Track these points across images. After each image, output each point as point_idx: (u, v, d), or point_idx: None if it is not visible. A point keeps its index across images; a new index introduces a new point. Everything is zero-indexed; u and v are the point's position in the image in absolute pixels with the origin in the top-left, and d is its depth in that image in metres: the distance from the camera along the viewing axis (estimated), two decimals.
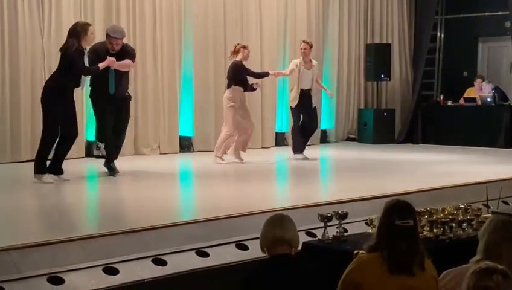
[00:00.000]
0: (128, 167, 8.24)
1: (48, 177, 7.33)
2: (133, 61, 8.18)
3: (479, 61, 14.09)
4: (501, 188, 6.01)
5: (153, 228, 5.07)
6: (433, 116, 13.20)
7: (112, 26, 8.47)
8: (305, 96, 9.78)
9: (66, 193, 7.07)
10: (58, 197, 6.83)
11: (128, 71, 8.07)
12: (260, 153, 11.11)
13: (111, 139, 7.86)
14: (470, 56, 14.01)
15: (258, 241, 3.60)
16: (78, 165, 8.64)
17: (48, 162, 7.54)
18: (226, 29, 11.47)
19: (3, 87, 9.33)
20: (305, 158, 9.79)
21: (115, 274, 4.42)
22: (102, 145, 7.85)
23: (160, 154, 10.58)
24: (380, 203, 3.55)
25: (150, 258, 4.66)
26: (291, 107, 10.00)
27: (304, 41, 10.10)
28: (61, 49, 7.64)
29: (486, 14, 13.61)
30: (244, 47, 9.48)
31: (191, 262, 4.76)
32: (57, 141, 7.55)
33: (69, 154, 9.67)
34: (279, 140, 12.30)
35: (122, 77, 7.90)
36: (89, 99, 8.23)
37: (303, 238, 4.64)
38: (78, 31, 7.54)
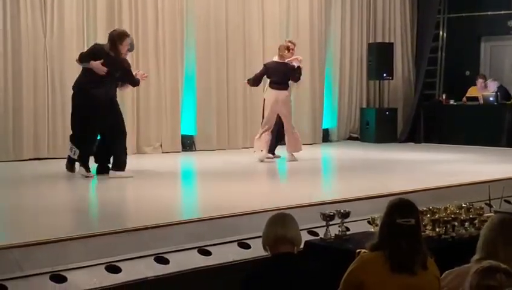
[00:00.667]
0: (130, 165, 8.24)
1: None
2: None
3: (482, 61, 14.08)
4: (503, 187, 6.01)
5: (155, 227, 5.07)
6: (435, 116, 13.19)
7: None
8: None
9: (68, 191, 7.08)
10: (61, 195, 6.84)
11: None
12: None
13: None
14: (473, 55, 13.99)
15: (260, 240, 3.60)
16: None
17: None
18: (228, 28, 11.47)
19: (5, 86, 9.34)
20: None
21: (117, 272, 4.42)
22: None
23: (162, 153, 10.59)
24: (382, 203, 3.55)
25: (153, 257, 4.66)
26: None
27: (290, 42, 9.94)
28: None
29: (489, 13, 13.59)
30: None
31: (193, 261, 4.77)
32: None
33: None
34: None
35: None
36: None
37: (305, 237, 4.64)
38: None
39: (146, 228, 5.01)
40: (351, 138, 13.40)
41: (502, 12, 13.35)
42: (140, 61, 10.44)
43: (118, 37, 7.70)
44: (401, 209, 3.37)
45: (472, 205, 5.16)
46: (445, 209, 4.94)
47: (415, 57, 14.17)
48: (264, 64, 9.93)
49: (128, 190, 7.39)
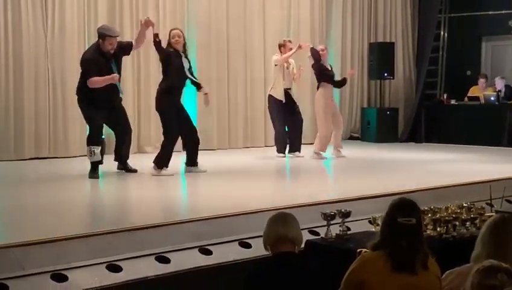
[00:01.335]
0: (131, 165, 8.25)
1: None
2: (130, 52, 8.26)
3: (483, 60, 14.07)
4: (504, 187, 6.00)
5: (156, 226, 5.08)
6: (437, 115, 13.19)
7: (105, 26, 8.35)
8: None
9: (69, 190, 7.08)
10: (62, 195, 6.84)
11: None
12: (263, 151, 11.11)
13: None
14: (474, 55, 13.99)
15: (261, 239, 3.60)
16: (82, 162, 8.63)
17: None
18: (229, 28, 11.47)
19: (7, 86, 9.35)
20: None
21: (118, 271, 4.42)
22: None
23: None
24: (383, 202, 3.55)
25: (153, 256, 4.66)
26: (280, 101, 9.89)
27: (290, 41, 10.09)
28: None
29: (490, 12, 13.58)
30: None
31: (194, 260, 4.77)
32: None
33: (74, 153, 9.78)
34: None
35: None
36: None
37: (306, 236, 4.64)
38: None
39: (147, 228, 5.02)
40: (352, 138, 13.40)
41: (503, 12, 13.35)
42: (141, 60, 10.45)
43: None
44: (403, 208, 3.37)
45: (473, 204, 5.17)
46: (446, 208, 4.94)
47: (416, 56, 14.17)
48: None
49: (129, 190, 7.39)
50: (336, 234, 4.67)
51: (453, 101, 13.12)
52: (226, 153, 10.85)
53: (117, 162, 8.25)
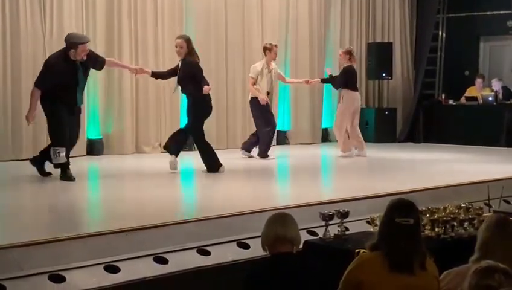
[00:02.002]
0: (129, 165, 8.25)
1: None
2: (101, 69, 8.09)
3: (481, 61, 14.09)
4: (502, 187, 6.01)
5: (154, 227, 5.07)
6: (435, 115, 13.20)
7: (74, 34, 8.05)
8: None
9: (67, 191, 7.07)
10: (60, 195, 6.84)
11: None
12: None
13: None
14: (472, 55, 14.00)
15: (259, 240, 3.60)
16: (80, 163, 8.64)
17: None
18: (227, 28, 11.47)
19: (5, 86, 9.34)
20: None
21: (116, 272, 4.42)
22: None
23: (162, 152, 10.57)
24: (381, 202, 3.56)
25: (152, 257, 4.65)
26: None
27: (276, 45, 10.15)
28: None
29: (488, 13, 13.59)
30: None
31: (192, 260, 4.76)
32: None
33: (72, 153, 9.74)
34: (280, 138, 12.30)
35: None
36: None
37: (304, 237, 4.64)
38: None
39: (145, 228, 5.01)
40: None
41: (501, 12, 13.36)
42: (139, 61, 10.43)
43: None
44: (401, 209, 3.37)
45: (471, 205, 5.17)
46: (445, 209, 4.95)
47: (414, 57, 14.17)
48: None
49: (128, 190, 7.39)
50: (334, 234, 4.67)
51: (451, 101, 13.14)
52: (224, 153, 10.83)
53: (31, 159, 7.83)
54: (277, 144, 12.08)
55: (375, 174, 8.57)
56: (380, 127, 13.00)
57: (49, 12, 9.63)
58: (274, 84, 10.22)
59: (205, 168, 8.11)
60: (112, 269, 4.43)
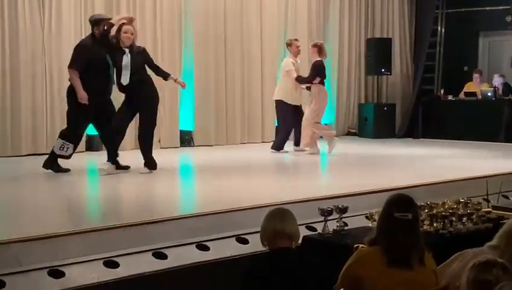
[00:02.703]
0: (128, 161, 8.24)
1: None
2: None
3: (480, 56, 14.08)
4: (501, 182, 6.02)
5: (153, 222, 5.08)
6: (434, 111, 13.19)
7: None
8: None
9: (66, 186, 7.08)
10: (59, 191, 6.84)
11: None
12: (260, 147, 11.11)
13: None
14: (471, 50, 13.99)
15: (258, 235, 3.60)
16: (79, 159, 8.64)
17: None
18: (226, 24, 11.46)
19: (4, 82, 9.34)
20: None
21: (115, 267, 4.42)
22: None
23: (161, 148, 10.58)
24: (380, 198, 3.56)
25: (151, 252, 4.66)
26: (289, 104, 9.99)
27: (296, 39, 10.21)
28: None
29: (487, 8, 13.58)
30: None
31: (191, 256, 4.77)
32: None
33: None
34: None
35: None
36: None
37: (303, 232, 4.65)
38: None
39: (144, 223, 5.02)
40: (349, 133, 13.41)
41: (500, 7, 13.35)
42: None
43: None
44: (399, 204, 3.38)
45: (470, 200, 5.18)
46: (443, 204, 4.95)
47: (414, 52, 14.17)
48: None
49: (127, 186, 7.39)
50: (333, 229, 4.68)
51: (450, 97, 13.13)
52: (224, 149, 10.86)
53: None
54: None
55: (374, 169, 8.58)
56: (379, 122, 13.00)
57: (47, 9, 9.63)
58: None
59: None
60: (111, 264, 4.44)
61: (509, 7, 13.01)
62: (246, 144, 11.51)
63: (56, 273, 4.23)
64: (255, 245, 4.36)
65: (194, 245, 4.88)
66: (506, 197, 6.59)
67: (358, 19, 13.44)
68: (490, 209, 5.32)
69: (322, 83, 9.98)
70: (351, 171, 8.45)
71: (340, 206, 4.77)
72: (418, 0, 14.10)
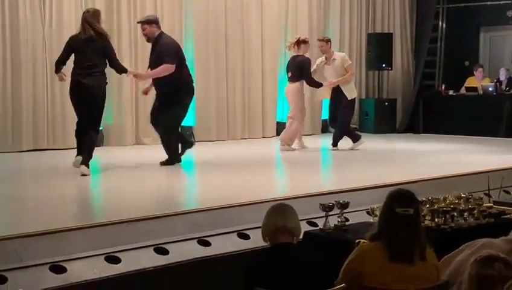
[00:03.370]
0: (129, 156, 8.26)
1: None
2: None
3: (481, 51, 14.07)
4: (502, 177, 6.02)
5: (154, 217, 5.08)
6: (435, 106, 13.18)
7: None
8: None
9: (67, 182, 7.08)
10: (60, 186, 6.84)
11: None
12: (261, 142, 11.11)
13: None
14: (472, 45, 13.98)
15: (259, 230, 3.60)
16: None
17: None
18: (227, 20, 11.44)
19: (4, 77, 9.34)
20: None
21: (117, 263, 4.43)
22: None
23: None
24: (381, 193, 3.56)
25: (152, 247, 4.67)
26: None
27: (318, 40, 10.16)
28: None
29: (488, 3, 13.56)
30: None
31: (192, 251, 4.77)
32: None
33: (72, 144, 9.76)
34: (280, 130, 12.27)
35: None
36: None
37: (304, 227, 4.65)
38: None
39: (145, 219, 5.02)
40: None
41: (501, 2, 13.33)
42: (139, 51, 10.41)
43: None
44: (400, 199, 3.38)
45: (471, 195, 5.17)
46: (444, 199, 4.94)
47: (414, 47, 14.15)
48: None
49: (128, 181, 7.39)
50: (334, 225, 4.68)
51: (451, 92, 13.12)
52: (224, 144, 10.85)
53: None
54: (276, 134, 12.09)
55: (375, 165, 8.57)
56: (379, 118, 12.98)
57: (48, 3, 9.62)
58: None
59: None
60: (112, 259, 4.44)
61: (510, 2, 12.98)
62: (247, 140, 11.51)
63: (57, 268, 4.23)
64: (256, 241, 4.36)
65: (196, 240, 4.88)
66: (508, 192, 6.59)
67: (359, 14, 13.42)
68: (491, 204, 5.31)
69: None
70: (352, 167, 8.45)
71: (341, 201, 4.77)
72: None
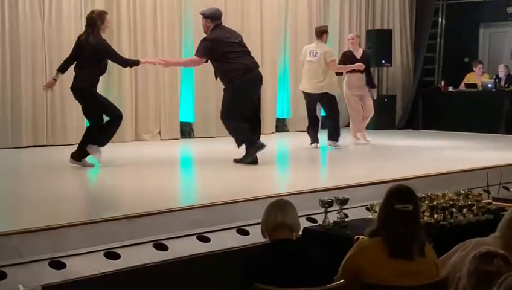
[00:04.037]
0: (129, 152, 8.26)
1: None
2: None
3: (480, 47, 14.07)
4: (501, 173, 6.02)
5: (154, 213, 5.08)
6: (434, 102, 13.19)
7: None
8: None
9: (67, 178, 7.08)
10: (59, 182, 6.84)
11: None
12: (261, 139, 11.08)
13: None
14: (471, 42, 13.98)
15: (259, 226, 3.61)
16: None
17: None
18: (227, 20, 11.40)
19: (4, 73, 9.33)
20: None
21: (116, 259, 4.43)
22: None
23: (161, 140, 10.59)
24: (381, 189, 3.56)
25: (151, 243, 4.67)
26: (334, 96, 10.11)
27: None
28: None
29: None
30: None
31: (192, 247, 4.78)
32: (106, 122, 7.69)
33: (72, 140, 9.79)
34: (280, 126, 12.31)
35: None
36: None
37: (304, 223, 4.65)
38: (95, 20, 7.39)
39: (145, 215, 5.02)
40: (349, 125, 13.37)
41: None
42: (138, 47, 10.41)
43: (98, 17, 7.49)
44: (400, 195, 3.38)
45: (470, 191, 5.17)
46: (444, 195, 4.95)
47: (414, 43, 14.14)
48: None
49: (127, 177, 7.39)
50: (334, 221, 4.68)
51: (450, 88, 13.13)
52: (224, 141, 10.83)
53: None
54: (276, 131, 12.10)
55: (375, 161, 8.58)
56: (379, 114, 12.93)
57: (47, 0, 9.60)
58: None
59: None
60: (111, 255, 4.44)
61: None
62: None
63: (57, 264, 4.24)
64: (256, 237, 4.37)
65: (195, 237, 4.88)
66: (507, 189, 6.60)
67: (358, 10, 13.41)
68: (491, 200, 5.32)
69: None
70: (351, 163, 8.45)
71: (340, 197, 4.77)
72: None
